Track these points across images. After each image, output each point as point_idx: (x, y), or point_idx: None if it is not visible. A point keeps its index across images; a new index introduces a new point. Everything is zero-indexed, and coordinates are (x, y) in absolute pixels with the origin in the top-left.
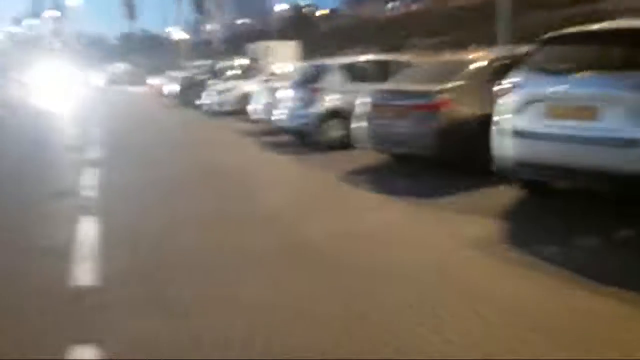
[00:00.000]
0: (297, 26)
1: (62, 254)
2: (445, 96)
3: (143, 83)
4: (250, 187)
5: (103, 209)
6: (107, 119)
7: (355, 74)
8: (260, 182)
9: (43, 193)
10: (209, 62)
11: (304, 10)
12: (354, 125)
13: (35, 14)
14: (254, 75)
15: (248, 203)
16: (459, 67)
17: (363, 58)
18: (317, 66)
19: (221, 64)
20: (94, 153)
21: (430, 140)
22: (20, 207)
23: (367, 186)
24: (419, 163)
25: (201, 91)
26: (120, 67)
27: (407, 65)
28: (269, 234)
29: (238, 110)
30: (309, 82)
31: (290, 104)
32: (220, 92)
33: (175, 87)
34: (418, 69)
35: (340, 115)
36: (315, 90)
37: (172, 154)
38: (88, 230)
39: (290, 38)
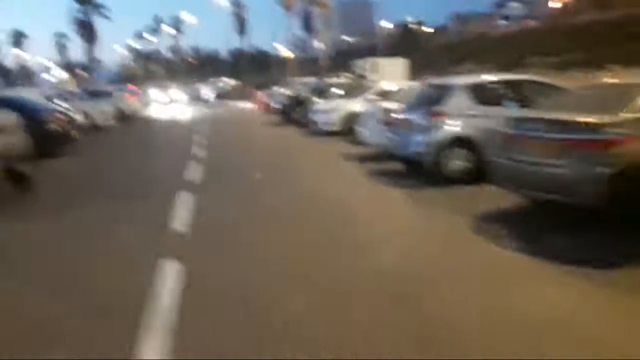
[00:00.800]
0: (404, 43)
1: (129, 318)
2: (623, 131)
3: (250, 98)
4: (361, 236)
5: (192, 252)
6: (211, 135)
7: (485, 96)
8: (371, 229)
9: (131, 225)
10: (314, 79)
11: (410, 27)
12: (490, 158)
13: (155, 30)
14: (360, 94)
15: (362, 262)
16: (632, 94)
17: (494, 78)
18: (438, 86)
19: (326, 81)
20: (193, 174)
21: (599, 188)
22: (101, 247)
23: (512, 242)
24: (573, 212)
25: (306, 109)
26: (229, 82)
27: (550, 88)
28: (396, 324)
29: (344, 130)
30: (428, 104)
31: (404, 127)
32: (325, 111)
33: (281, 104)
34: (568, 94)
35: (465, 143)
36: (436, 114)
37: (272, 179)
38: (169, 283)
39: (397, 55)
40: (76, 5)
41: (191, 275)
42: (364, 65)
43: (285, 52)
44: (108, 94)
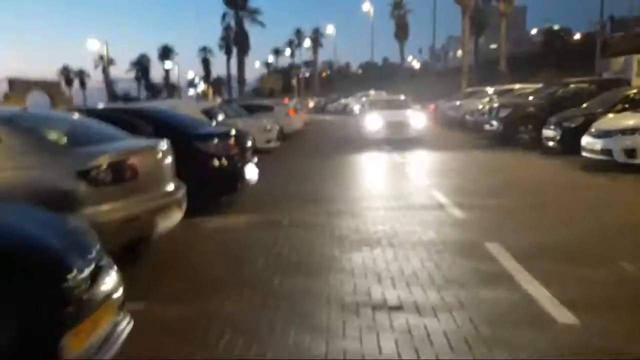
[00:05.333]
0: (549, 50)
1: None
2: None
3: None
4: None
5: None
6: (425, 168)
7: None
8: None
9: None
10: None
11: (557, 33)
12: None
13: (295, 44)
14: None
15: None
16: None
17: None
18: None
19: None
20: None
21: None
22: None
23: None
24: None
25: (537, 124)
26: (377, 94)
27: None
28: None
29: None
30: None
31: None
32: (612, 133)
33: (488, 120)
34: None
35: None
36: None
37: None
38: None
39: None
40: (229, 14)
41: None
42: (625, 64)
43: (415, 63)
44: (268, 108)
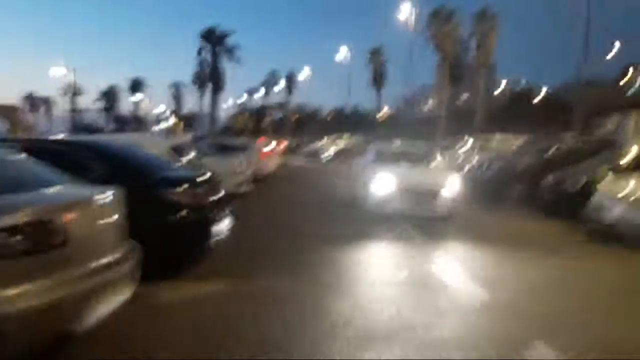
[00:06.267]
0: (514, 106)
1: None
2: None
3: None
4: None
5: None
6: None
7: None
8: None
9: None
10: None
11: (522, 89)
12: None
13: (268, 85)
14: None
15: None
16: None
17: None
18: None
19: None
20: None
21: None
22: None
23: None
24: None
25: (530, 182)
26: (348, 139)
27: None
28: None
29: None
30: None
31: None
32: None
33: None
34: None
35: None
36: None
37: None
38: None
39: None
40: (206, 49)
41: None
42: (622, 121)
43: (383, 112)
44: (242, 148)
